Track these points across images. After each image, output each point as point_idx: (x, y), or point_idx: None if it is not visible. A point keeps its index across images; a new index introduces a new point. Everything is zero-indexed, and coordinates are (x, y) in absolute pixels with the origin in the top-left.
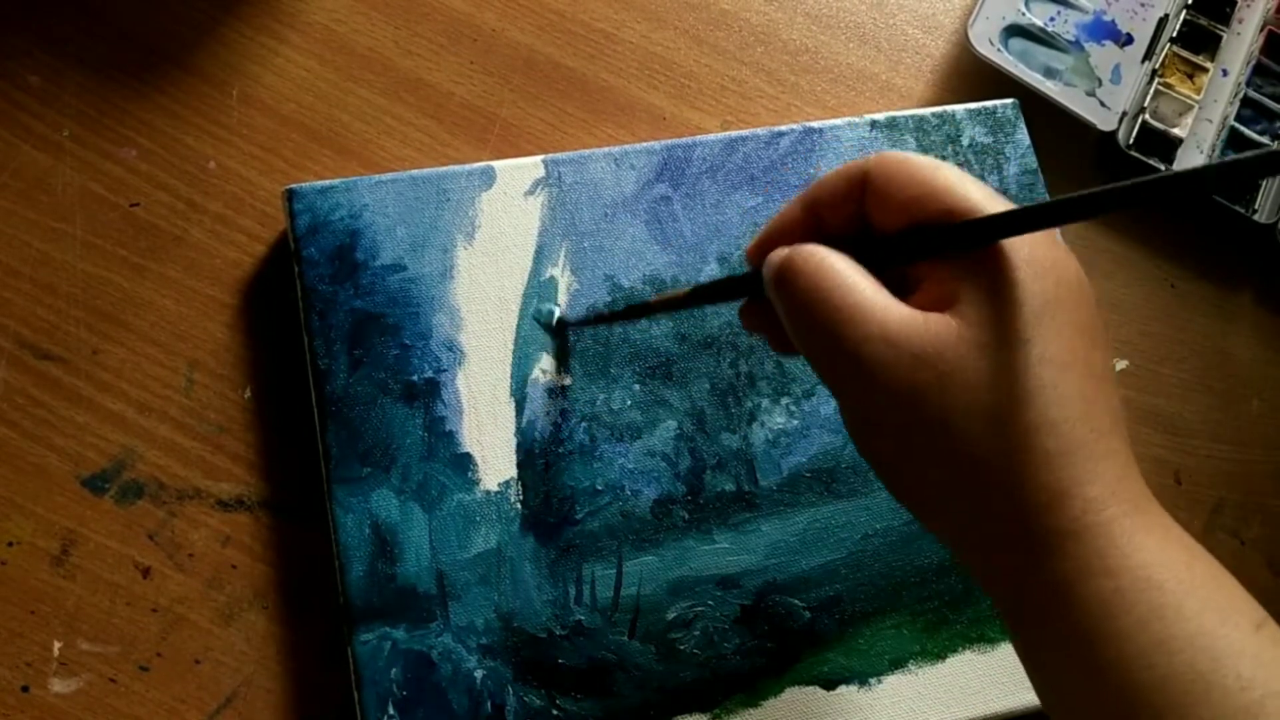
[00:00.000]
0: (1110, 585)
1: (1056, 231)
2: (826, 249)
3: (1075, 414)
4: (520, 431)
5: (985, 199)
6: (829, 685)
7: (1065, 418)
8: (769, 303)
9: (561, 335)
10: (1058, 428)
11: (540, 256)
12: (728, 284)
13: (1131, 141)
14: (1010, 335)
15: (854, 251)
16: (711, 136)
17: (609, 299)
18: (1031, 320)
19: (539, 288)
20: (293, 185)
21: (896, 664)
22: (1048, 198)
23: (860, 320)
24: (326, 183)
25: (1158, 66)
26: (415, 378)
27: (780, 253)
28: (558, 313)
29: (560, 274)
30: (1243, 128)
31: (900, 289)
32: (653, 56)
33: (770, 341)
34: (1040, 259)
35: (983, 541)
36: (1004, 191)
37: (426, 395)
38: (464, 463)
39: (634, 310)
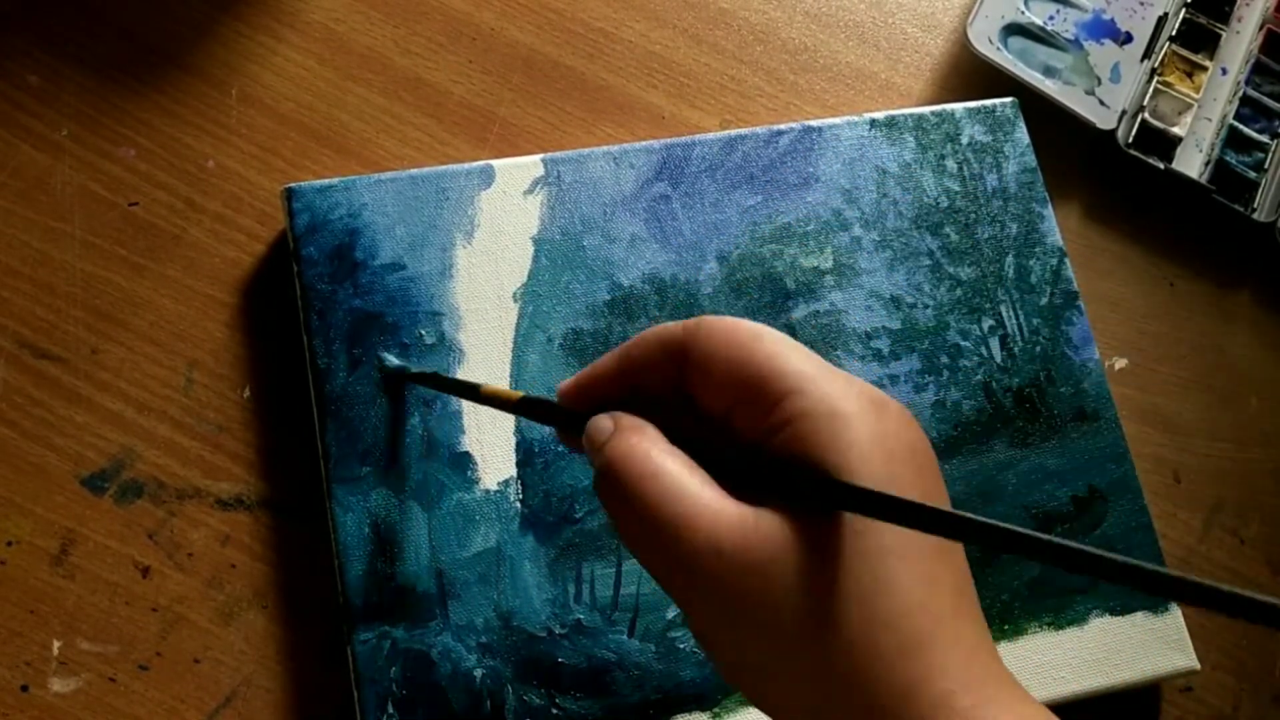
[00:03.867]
0: None
1: (876, 394)
2: (650, 443)
3: (915, 603)
4: (520, 430)
5: (813, 370)
6: None
7: (904, 610)
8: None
9: (395, 386)
10: (896, 623)
11: (540, 256)
12: (552, 412)
13: (1131, 140)
14: (839, 529)
15: (673, 420)
16: (711, 135)
17: (608, 297)
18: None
19: (540, 288)
20: (292, 184)
21: None
22: (1046, 198)
23: (689, 532)
24: (325, 182)
25: (1157, 65)
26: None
27: (605, 437)
28: (392, 361)
29: (561, 273)
30: (1242, 126)
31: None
32: (652, 55)
33: (613, 521)
34: (865, 439)
35: None
36: (1003, 190)
37: (426, 394)
38: (463, 462)
39: (464, 387)
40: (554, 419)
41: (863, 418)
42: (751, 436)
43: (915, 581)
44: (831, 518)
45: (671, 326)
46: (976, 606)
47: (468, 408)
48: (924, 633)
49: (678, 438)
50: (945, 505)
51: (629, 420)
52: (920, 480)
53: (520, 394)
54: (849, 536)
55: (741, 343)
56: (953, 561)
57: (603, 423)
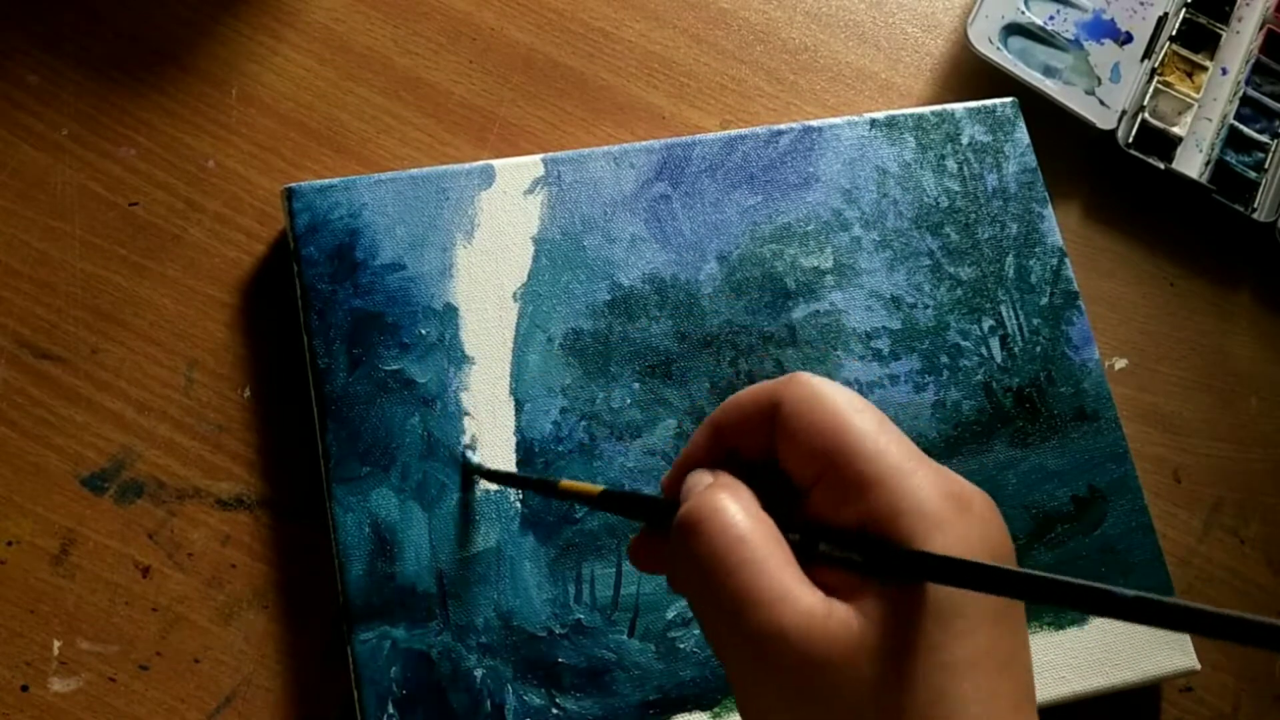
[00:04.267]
0: None
1: (961, 490)
2: (737, 505)
3: (978, 715)
4: (520, 430)
5: (901, 458)
6: None
7: None
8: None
9: (468, 480)
10: None
11: (540, 256)
12: (640, 503)
13: (1131, 140)
14: (912, 642)
15: (769, 488)
16: (711, 135)
17: (609, 297)
18: (937, 622)
19: (541, 288)
20: (292, 184)
21: None
22: (1047, 198)
23: (758, 609)
24: (326, 182)
25: (1157, 65)
26: (415, 377)
27: (691, 500)
28: (473, 458)
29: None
30: (1242, 126)
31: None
32: (652, 55)
33: (671, 583)
34: (950, 545)
35: None
36: (1003, 190)
37: (426, 394)
38: (464, 461)
39: (542, 485)
40: (642, 507)
41: (949, 520)
42: (831, 514)
43: (975, 699)
44: (906, 627)
45: (765, 386)
46: (1034, 712)
47: (468, 407)
48: None
49: (768, 505)
50: (1021, 604)
51: (726, 478)
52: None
53: (600, 489)
54: (921, 651)
55: (833, 414)
56: (1017, 672)
57: (702, 475)
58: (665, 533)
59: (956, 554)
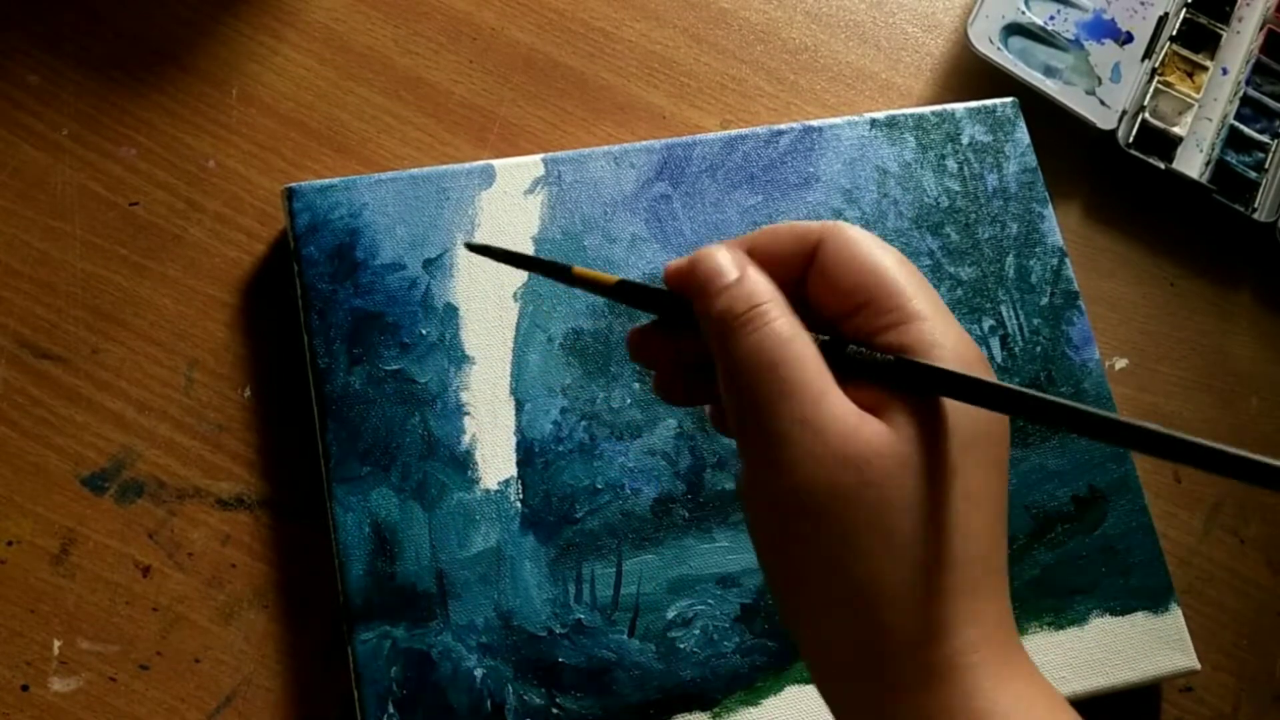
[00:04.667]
0: None
1: (982, 356)
2: (780, 310)
3: (977, 553)
4: (520, 430)
5: (942, 309)
6: None
7: (968, 556)
8: (670, 337)
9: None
10: (959, 566)
11: (541, 255)
12: (653, 295)
13: (1131, 140)
14: (939, 462)
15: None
16: (711, 135)
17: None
18: (960, 450)
19: (540, 287)
20: (292, 184)
21: None
22: (1047, 198)
23: (798, 401)
24: (326, 181)
25: (1157, 65)
26: (415, 376)
27: (729, 281)
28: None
29: None
30: (1242, 126)
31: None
32: (652, 55)
33: (656, 381)
34: None
35: (846, 663)
36: (1003, 190)
37: (426, 394)
38: (464, 461)
39: (554, 268)
40: (656, 304)
41: (976, 366)
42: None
43: (983, 533)
44: (934, 448)
45: (808, 223)
46: (1008, 575)
47: (468, 407)
48: (976, 582)
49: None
50: (1005, 470)
51: (756, 273)
52: (1005, 440)
53: (617, 278)
54: (946, 471)
55: (878, 256)
56: (1005, 525)
57: (724, 262)
58: (675, 328)
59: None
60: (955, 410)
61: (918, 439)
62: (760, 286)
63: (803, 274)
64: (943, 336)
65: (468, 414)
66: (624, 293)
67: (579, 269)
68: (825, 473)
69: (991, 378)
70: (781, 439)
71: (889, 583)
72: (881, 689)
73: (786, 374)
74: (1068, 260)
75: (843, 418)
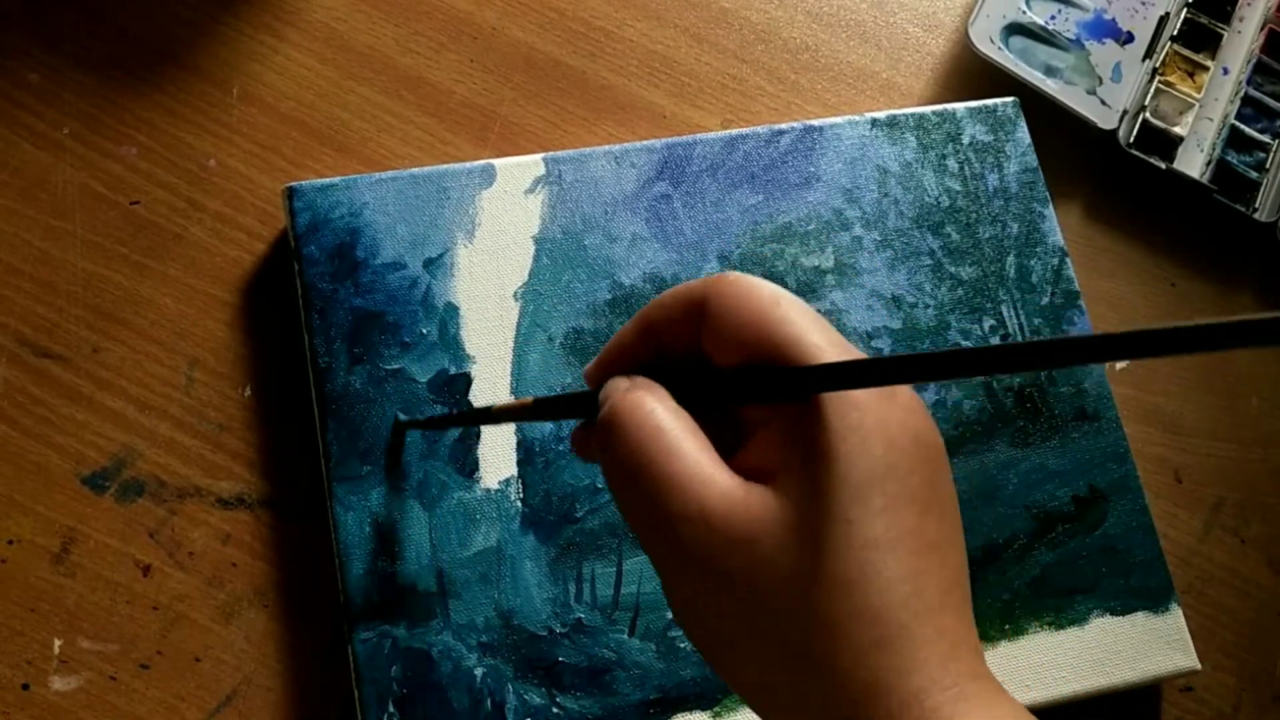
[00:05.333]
0: None
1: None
2: (656, 400)
3: (897, 598)
4: (520, 430)
5: (824, 343)
6: None
7: (886, 604)
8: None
9: (397, 436)
10: (878, 616)
11: (541, 255)
12: (568, 401)
13: (1132, 140)
14: (829, 516)
15: (684, 387)
16: (712, 135)
17: (610, 296)
18: (854, 498)
19: (541, 286)
20: (293, 183)
21: None
22: (1048, 198)
23: (679, 494)
24: (327, 181)
25: (1158, 65)
26: (416, 376)
27: (614, 400)
28: (402, 417)
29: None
30: (1243, 126)
31: (735, 435)
32: (653, 55)
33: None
34: (868, 424)
35: None
36: (1004, 190)
37: (427, 393)
38: (464, 460)
39: (475, 416)
40: (575, 408)
41: (869, 403)
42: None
43: (900, 576)
44: (824, 503)
45: (693, 284)
46: (967, 603)
47: (469, 406)
48: (903, 628)
49: (688, 401)
50: (950, 495)
51: (643, 380)
52: (922, 466)
53: (532, 398)
54: (839, 525)
55: (758, 306)
56: (946, 557)
57: (619, 381)
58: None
59: (875, 433)
60: (847, 458)
61: (806, 498)
62: (641, 387)
63: (697, 336)
64: (823, 345)
65: None
66: (542, 409)
67: (498, 406)
68: (719, 559)
69: (896, 422)
70: (671, 540)
71: (809, 651)
72: None
73: (661, 469)
74: (1068, 260)
75: (725, 499)
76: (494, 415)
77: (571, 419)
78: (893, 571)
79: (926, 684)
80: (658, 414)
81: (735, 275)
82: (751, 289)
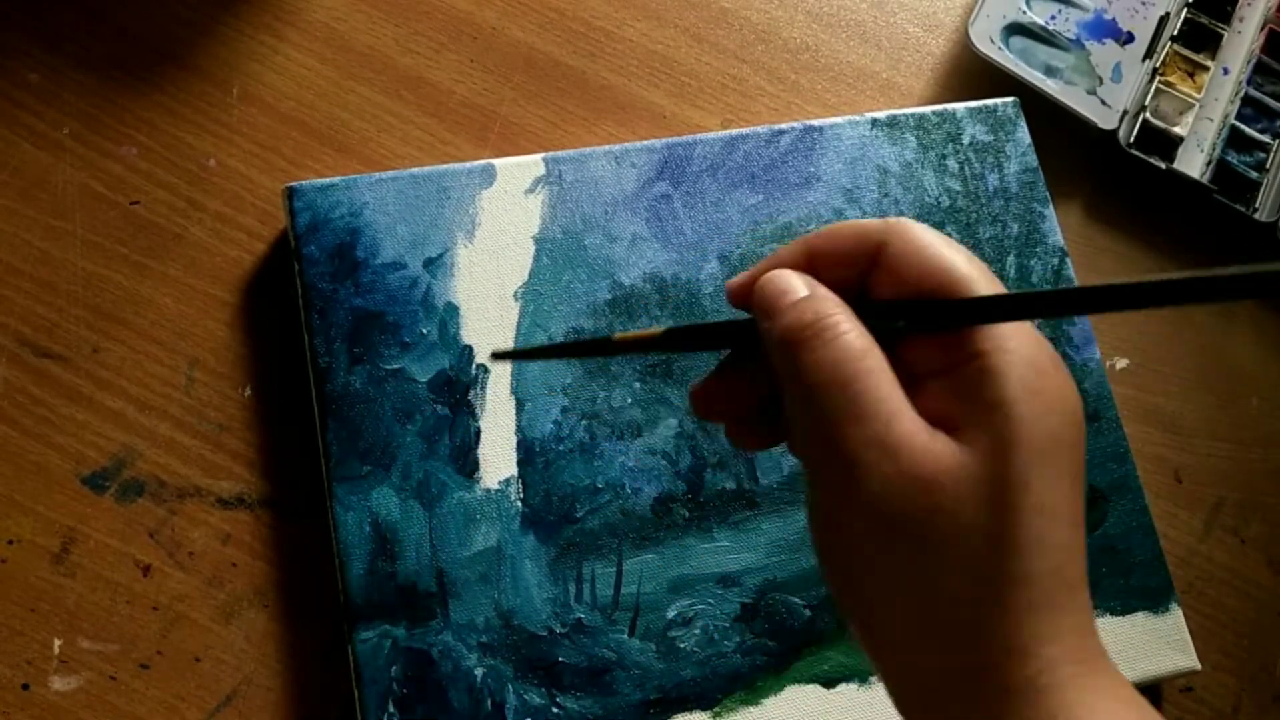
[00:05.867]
0: None
1: (1056, 355)
2: (851, 323)
3: (1053, 566)
4: (521, 430)
5: (992, 290)
6: (829, 684)
7: (1044, 571)
8: (742, 378)
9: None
10: (1037, 581)
11: (541, 255)
12: (712, 331)
13: (1132, 140)
14: (1011, 476)
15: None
16: (712, 135)
17: (610, 296)
18: (1033, 463)
19: (542, 287)
20: (293, 183)
21: None
22: (1048, 198)
23: (869, 420)
24: (327, 181)
25: (1158, 65)
26: (416, 376)
27: (796, 298)
28: (491, 352)
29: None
30: (1243, 126)
31: (903, 382)
32: (653, 55)
33: (728, 432)
34: (1048, 391)
35: (925, 686)
36: (1004, 190)
37: (427, 393)
38: (464, 460)
39: (593, 346)
40: (715, 334)
41: (1046, 368)
42: (925, 350)
43: (1059, 545)
44: (1005, 469)
45: (869, 222)
46: (1088, 587)
47: (469, 406)
48: (1055, 596)
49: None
50: (1082, 478)
51: (825, 290)
52: (1081, 442)
53: (662, 329)
54: (1018, 487)
55: (941, 252)
56: (1083, 534)
57: (793, 281)
58: (747, 354)
59: (1054, 401)
60: (1028, 421)
61: (989, 454)
62: (829, 300)
63: (864, 275)
64: (1013, 330)
65: (468, 413)
66: (676, 340)
67: (619, 336)
68: (896, 495)
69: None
70: (852, 461)
71: (965, 604)
72: (960, 712)
73: (857, 392)
74: (1069, 260)
75: (914, 436)
76: (614, 346)
77: (709, 350)
78: (1054, 540)
79: (1063, 653)
80: (853, 334)
81: (913, 221)
82: (933, 236)
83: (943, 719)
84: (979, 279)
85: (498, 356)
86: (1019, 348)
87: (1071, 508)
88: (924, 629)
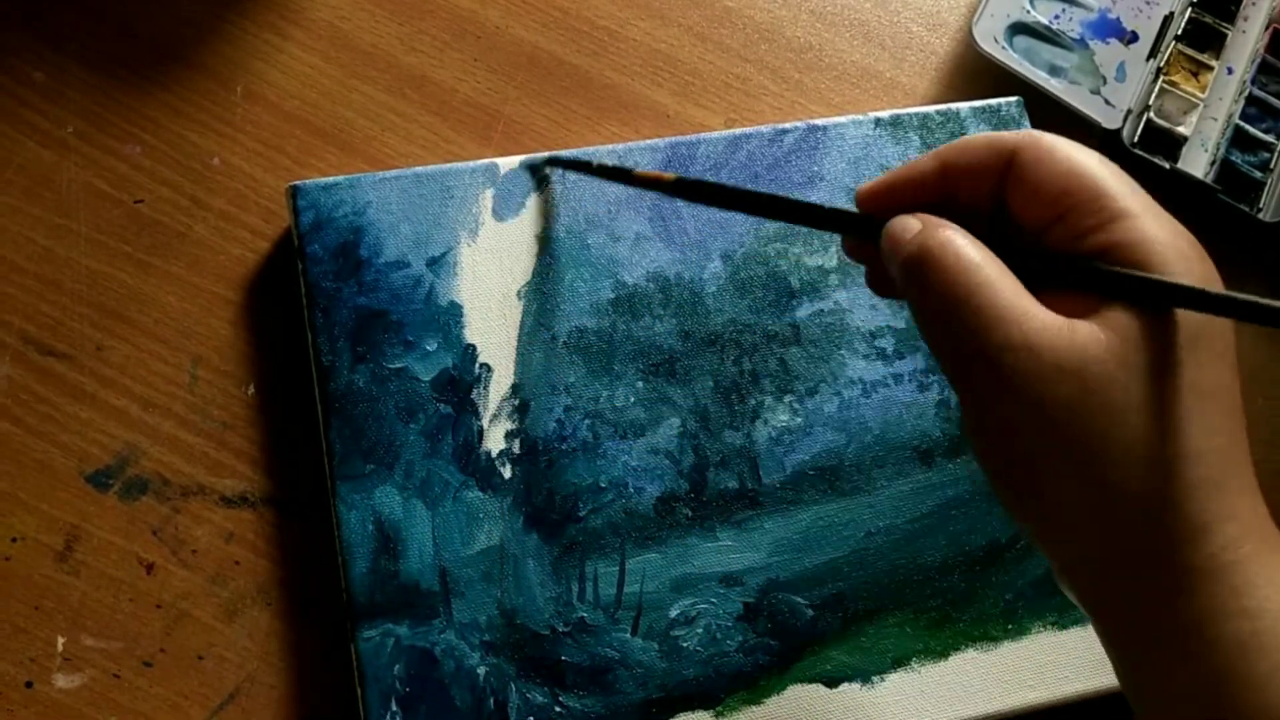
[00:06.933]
0: (1248, 627)
1: (1199, 247)
2: (964, 239)
3: (1217, 446)
4: (524, 428)
5: (1141, 206)
6: (832, 683)
7: (1210, 449)
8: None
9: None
10: (1203, 459)
11: (544, 254)
12: (836, 217)
13: (1136, 139)
14: (1160, 356)
15: (992, 244)
16: (715, 134)
17: (613, 295)
18: (1184, 345)
19: (542, 285)
20: (297, 182)
21: (899, 662)
22: None
23: (1001, 325)
24: (330, 179)
25: (1163, 64)
26: (419, 375)
27: (913, 234)
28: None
29: (564, 272)
30: (1248, 126)
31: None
32: (657, 54)
33: (868, 276)
34: (1194, 275)
35: (1105, 571)
36: None
37: (430, 392)
38: (468, 459)
39: (616, 172)
40: (841, 221)
41: (1195, 260)
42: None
43: (1218, 428)
44: (1156, 346)
45: (1001, 134)
46: (1253, 472)
47: (472, 405)
48: (1223, 475)
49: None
50: (1234, 365)
51: (938, 219)
52: (1229, 335)
53: (674, 176)
54: (1170, 365)
55: (1080, 158)
56: (1242, 421)
57: (908, 221)
58: (868, 241)
59: (1184, 264)
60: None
61: (1136, 336)
62: (941, 225)
63: (998, 187)
64: (1156, 231)
65: (471, 412)
66: (802, 214)
67: (668, 176)
68: (1045, 388)
69: (1215, 280)
70: (993, 368)
71: (1134, 485)
72: (1144, 593)
73: (980, 303)
74: None
75: (1049, 330)
76: (635, 179)
77: (830, 231)
78: (1213, 421)
79: (1242, 531)
80: (971, 253)
81: (1044, 135)
82: (1067, 144)
83: (1123, 596)
84: (1126, 192)
85: (552, 163)
86: (1163, 238)
87: (1229, 391)
88: (1094, 518)
